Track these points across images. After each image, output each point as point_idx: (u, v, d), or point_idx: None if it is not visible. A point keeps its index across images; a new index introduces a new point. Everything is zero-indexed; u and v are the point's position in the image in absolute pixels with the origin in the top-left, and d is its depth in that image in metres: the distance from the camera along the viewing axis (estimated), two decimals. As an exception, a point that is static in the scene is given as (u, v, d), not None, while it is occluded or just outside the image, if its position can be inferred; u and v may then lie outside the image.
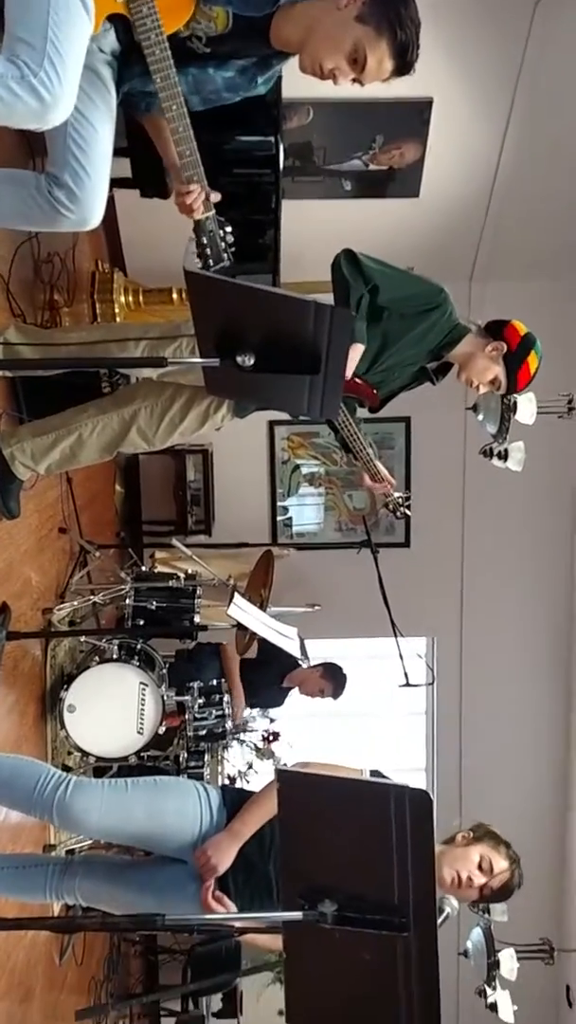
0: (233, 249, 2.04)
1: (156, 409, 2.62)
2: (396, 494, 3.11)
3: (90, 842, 3.32)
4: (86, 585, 3.88)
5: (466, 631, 5.54)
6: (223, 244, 2.04)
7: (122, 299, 4.22)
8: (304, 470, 5.53)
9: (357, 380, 2.60)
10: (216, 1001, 5.08)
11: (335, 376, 1.89)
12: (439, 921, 1.75)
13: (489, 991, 3.63)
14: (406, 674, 4.02)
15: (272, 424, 5.37)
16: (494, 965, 3.64)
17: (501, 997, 3.60)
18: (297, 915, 1.54)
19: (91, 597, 3.72)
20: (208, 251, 2.02)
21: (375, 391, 2.71)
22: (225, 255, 2.04)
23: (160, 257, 3.58)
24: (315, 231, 3.91)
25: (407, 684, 4.04)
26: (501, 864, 2.10)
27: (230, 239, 2.04)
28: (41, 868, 2.33)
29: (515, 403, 3.08)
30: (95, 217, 2.10)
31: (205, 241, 2.03)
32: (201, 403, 2.63)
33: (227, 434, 4.18)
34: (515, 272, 4.98)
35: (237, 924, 2.18)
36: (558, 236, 4.86)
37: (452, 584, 5.49)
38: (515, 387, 2.66)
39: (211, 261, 2.03)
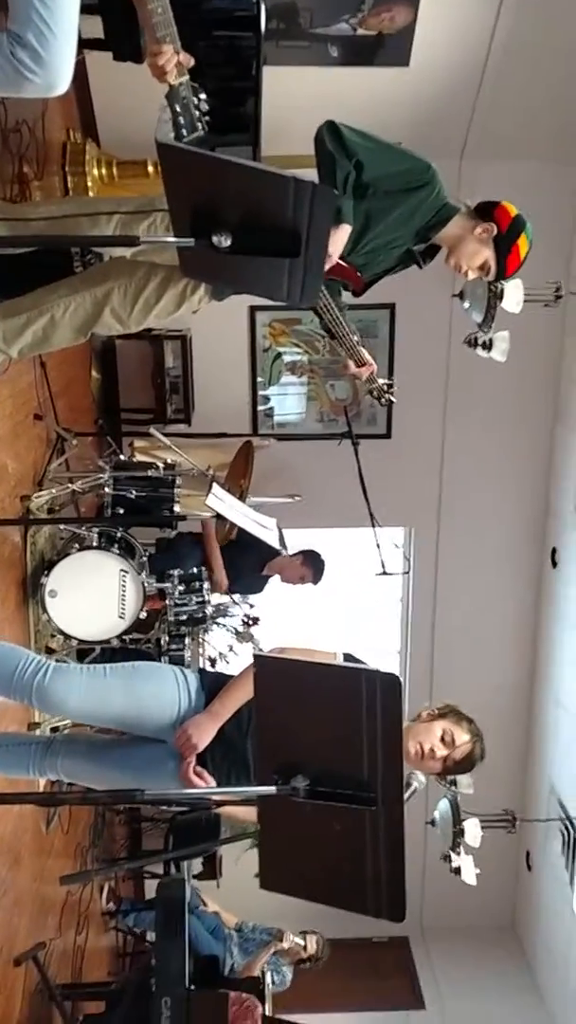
0: (208, 118, 1.92)
1: (130, 289, 2.52)
2: (380, 380, 3.07)
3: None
4: (64, 473, 3.84)
5: (443, 521, 5.60)
6: (197, 112, 1.92)
7: (95, 172, 4.03)
8: (286, 358, 5.42)
9: (341, 262, 2.51)
10: (197, 865, 5.38)
11: (316, 260, 1.81)
12: (406, 795, 1.83)
13: (454, 856, 3.88)
14: (383, 563, 4.10)
15: (253, 309, 5.23)
16: (459, 833, 3.87)
17: (465, 862, 3.85)
18: (271, 790, 1.61)
19: (70, 485, 3.69)
20: (181, 120, 1.91)
21: (359, 274, 2.62)
22: (199, 124, 1.93)
23: (135, 127, 3.36)
24: (299, 100, 3.69)
25: (383, 573, 4.13)
26: (463, 737, 2.19)
27: (205, 107, 1.92)
28: (25, 746, 2.40)
29: (502, 290, 3.00)
30: (63, 81, 1.96)
31: (178, 109, 1.91)
32: (177, 284, 2.53)
33: (206, 320, 4.08)
34: (507, 151, 4.76)
35: (215, 798, 2.27)
36: (553, 114, 4.63)
37: (431, 474, 5.52)
38: (504, 272, 2.56)
39: (184, 131, 1.91)
